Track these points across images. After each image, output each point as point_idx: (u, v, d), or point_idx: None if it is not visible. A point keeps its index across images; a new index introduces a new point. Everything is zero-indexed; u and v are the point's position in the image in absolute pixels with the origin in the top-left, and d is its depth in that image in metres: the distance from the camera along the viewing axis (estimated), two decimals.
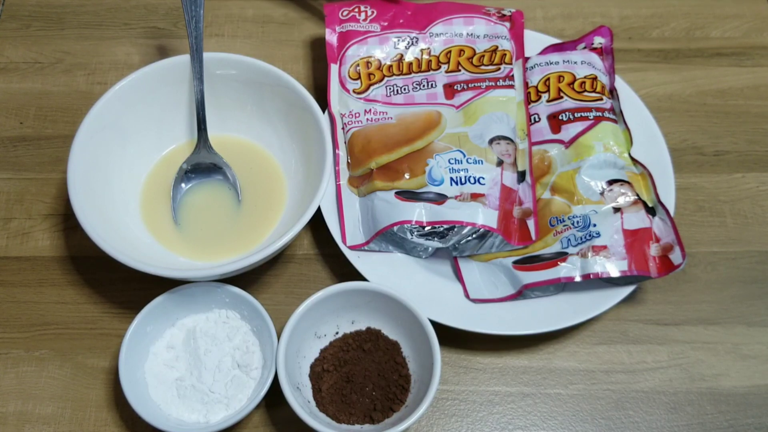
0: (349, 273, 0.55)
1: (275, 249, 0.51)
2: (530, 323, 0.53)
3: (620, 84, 0.64)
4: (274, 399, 0.52)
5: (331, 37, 0.64)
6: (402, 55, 0.63)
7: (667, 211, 0.55)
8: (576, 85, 0.61)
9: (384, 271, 0.55)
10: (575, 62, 0.62)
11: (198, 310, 0.54)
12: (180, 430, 0.48)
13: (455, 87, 0.61)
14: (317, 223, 0.58)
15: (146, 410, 0.49)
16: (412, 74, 0.62)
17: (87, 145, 0.54)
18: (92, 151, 0.55)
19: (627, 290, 0.54)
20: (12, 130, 0.65)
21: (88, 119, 0.55)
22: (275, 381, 0.49)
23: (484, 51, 0.63)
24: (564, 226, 0.55)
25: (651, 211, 0.55)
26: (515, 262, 0.55)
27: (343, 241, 0.56)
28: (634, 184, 0.56)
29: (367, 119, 0.60)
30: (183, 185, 0.58)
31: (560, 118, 0.60)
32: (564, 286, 0.54)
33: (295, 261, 0.60)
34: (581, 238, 0.54)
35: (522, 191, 0.57)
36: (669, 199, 0.58)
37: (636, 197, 0.55)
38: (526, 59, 0.64)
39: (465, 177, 0.56)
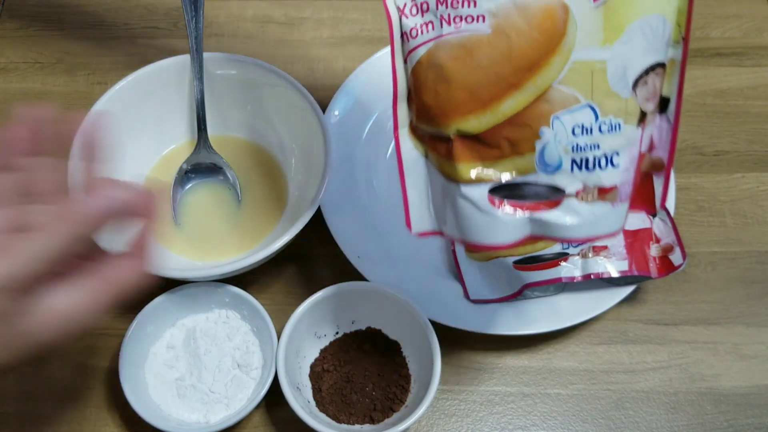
0: (349, 273, 0.55)
1: (275, 249, 0.51)
2: (530, 323, 0.53)
3: None
4: (274, 399, 0.52)
5: None
6: None
7: (668, 212, 0.55)
8: None
9: (384, 271, 0.55)
10: None
11: (198, 310, 0.54)
12: (180, 430, 0.48)
13: None
14: (317, 223, 0.58)
15: (146, 410, 0.49)
16: None
17: None
18: None
19: (627, 290, 0.54)
20: None
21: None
22: (275, 381, 0.49)
23: None
24: None
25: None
26: (516, 262, 0.51)
27: (407, 223, 0.41)
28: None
29: (446, 29, 0.36)
30: (183, 185, 0.58)
31: None
32: (564, 285, 0.54)
33: (295, 261, 0.60)
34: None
35: (658, 131, 0.40)
36: (669, 199, 0.58)
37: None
38: None
39: (594, 159, 0.37)
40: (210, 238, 0.57)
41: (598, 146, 0.37)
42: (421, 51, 0.36)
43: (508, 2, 0.35)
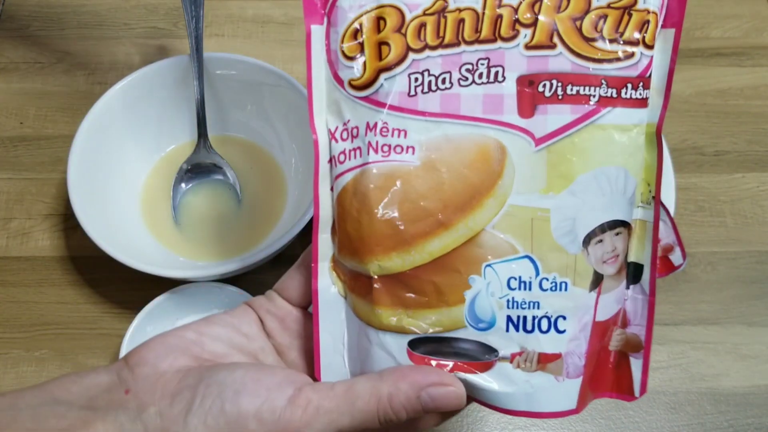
0: None
1: (275, 249, 0.51)
2: None
3: None
4: None
5: None
6: (446, 2, 0.33)
7: (668, 212, 0.54)
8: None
9: None
10: None
11: (198, 310, 0.54)
12: None
13: (540, 89, 0.32)
14: None
15: None
16: (462, 44, 0.32)
17: (87, 145, 0.54)
18: (92, 151, 0.55)
19: None
20: (12, 130, 0.65)
21: (88, 119, 0.55)
22: None
23: (608, 6, 0.32)
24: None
25: None
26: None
27: (317, 372, 0.34)
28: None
29: (373, 156, 0.33)
30: (183, 185, 0.58)
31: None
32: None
33: (295, 261, 0.60)
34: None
35: (632, 303, 0.35)
36: (669, 199, 0.58)
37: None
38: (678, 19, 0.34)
39: (534, 319, 0.32)
40: (210, 238, 0.57)
41: (538, 305, 0.32)
42: (348, 177, 0.33)
43: (439, 136, 0.32)
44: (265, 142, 0.61)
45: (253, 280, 0.58)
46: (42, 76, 0.68)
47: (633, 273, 0.35)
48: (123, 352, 0.50)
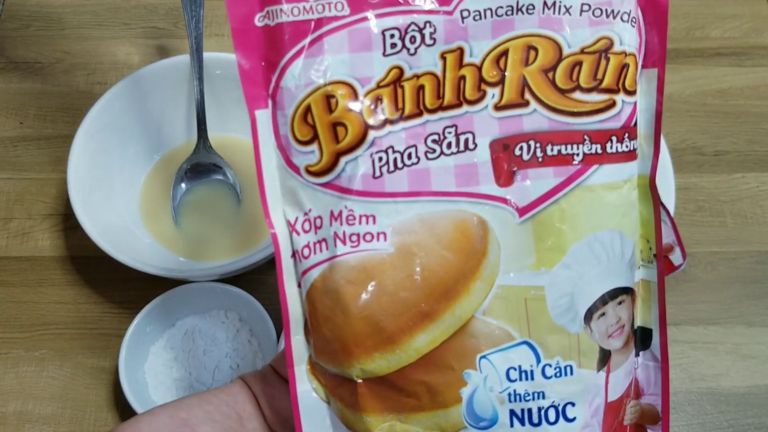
0: None
1: None
2: None
3: None
4: None
5: (250, 45, 0.31)
6: (402, 70, 0.29)
7: (668, 212, 0.54)
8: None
9: None
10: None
11: (197, 310, 0.54)
12: None
13: (517, 152, 0.29)
14: None
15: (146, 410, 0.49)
16: (425, 114, 0.29)
17: (87, 145, 0.54)
18: (92, 151, 0.55)
19: None
20: (12, 130, 0.65)
21: (88, 119, 0.55)
22: None
23: (582, 51, 0.29)
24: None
25: None
26: None
27: None
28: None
29: (341, 248, 0.30)
30: (183, 185, 0.58)
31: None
32: None
33: None
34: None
35: (643, 371, 0.33)
36: (669, 200, 0.58)
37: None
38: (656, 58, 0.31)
39: (540, 410, 0.29)
40: (210, 238, 0.57)
41: (543, 395, 0.29)
42: (315, 273, 0.30)
43: (412, 217, 0.29)
44: None
45: (253, 280, 0.58)
46: (42, 76, 0.68)
47: (641, 338, 0.32)
48: (123, 352, 0.50)
